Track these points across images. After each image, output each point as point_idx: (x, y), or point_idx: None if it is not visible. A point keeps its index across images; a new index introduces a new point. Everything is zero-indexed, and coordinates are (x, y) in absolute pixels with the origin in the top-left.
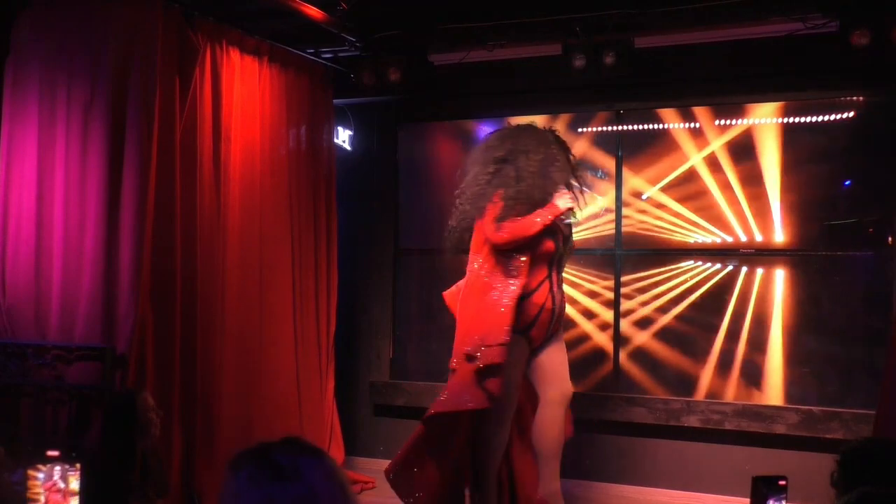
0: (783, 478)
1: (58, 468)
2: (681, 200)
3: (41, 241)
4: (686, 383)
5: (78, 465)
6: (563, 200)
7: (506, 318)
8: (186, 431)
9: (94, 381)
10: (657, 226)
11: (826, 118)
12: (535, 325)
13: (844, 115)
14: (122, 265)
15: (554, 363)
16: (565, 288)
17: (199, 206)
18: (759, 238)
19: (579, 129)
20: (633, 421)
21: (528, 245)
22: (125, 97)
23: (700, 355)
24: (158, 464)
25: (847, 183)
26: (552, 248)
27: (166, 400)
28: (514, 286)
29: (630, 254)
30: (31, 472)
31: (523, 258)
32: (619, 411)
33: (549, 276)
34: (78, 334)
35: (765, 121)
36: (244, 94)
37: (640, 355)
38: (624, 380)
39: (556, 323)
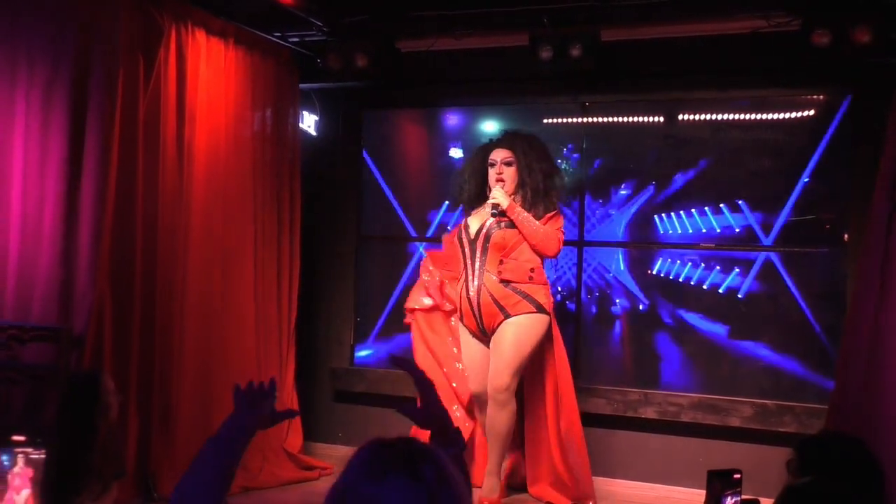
0: (738, 471)
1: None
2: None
3: None
4: (643, 375)
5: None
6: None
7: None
8: (143, 414)
9: (49, 362)
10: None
11: (786, 115)
12: (462, 314)
13: (804, 113)
14: (80, 245)
15: (492, 355)
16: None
17: (161, 186)
18: (717, 234)
19: (544, 121)
20: (590, 412)
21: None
22: (87, 76)
23: (658, 348)
24: (115, 447)
25: (805, 180)
26: (456, 244)
27: (123, 382)
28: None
29: (593, 245)
30: None
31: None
32: (578, 402)
33: (467, 270)
34: (34, 314)
35: (725, 116)
36: (209, 75)
37: (600, 346)
38: (583, 370)
39: (484, 316)
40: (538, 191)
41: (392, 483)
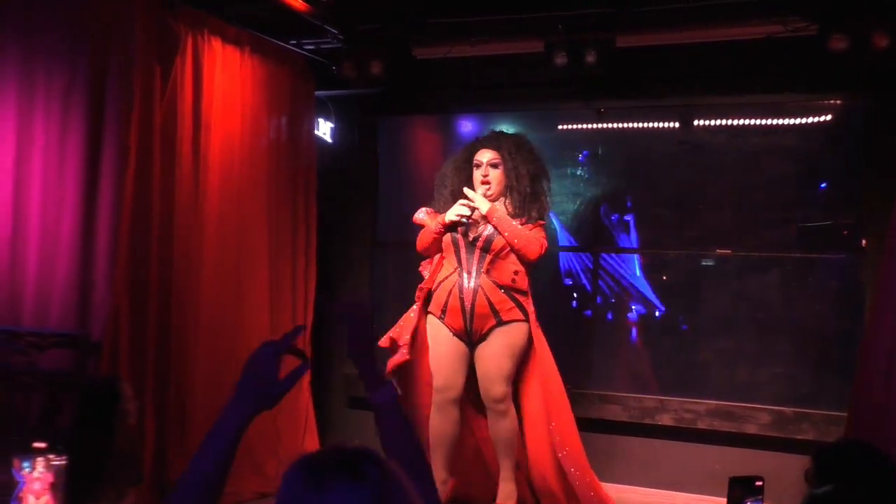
0: (759, 478)
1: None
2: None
3: (17, 227)
4: (659, 381)
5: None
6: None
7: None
8: (159, 420)
9: (67, 369)
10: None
11: (803, 121)
12: (447, 311)
13: (821, 118)
14: (98, 252)
15: (481, 364)
16: None
17: (178, 194)
18: (734, 239)
19: (559, 127)
20: (605, 418)
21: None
22: (104, 85)
23: (675, 354)
24: (133, 453)
25: (822, 185)
26: (450, 243)
27: (140, 388)
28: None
29: (606, 251)
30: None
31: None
32: (593, 408)
33: (462, 270)
34: (52, 321)
35: (742, 122)
36: (225, 83)
37: (616, 352)
38: (598, 377)
39: (476, 318)
40: (527, 195)
41: (333, 488)
